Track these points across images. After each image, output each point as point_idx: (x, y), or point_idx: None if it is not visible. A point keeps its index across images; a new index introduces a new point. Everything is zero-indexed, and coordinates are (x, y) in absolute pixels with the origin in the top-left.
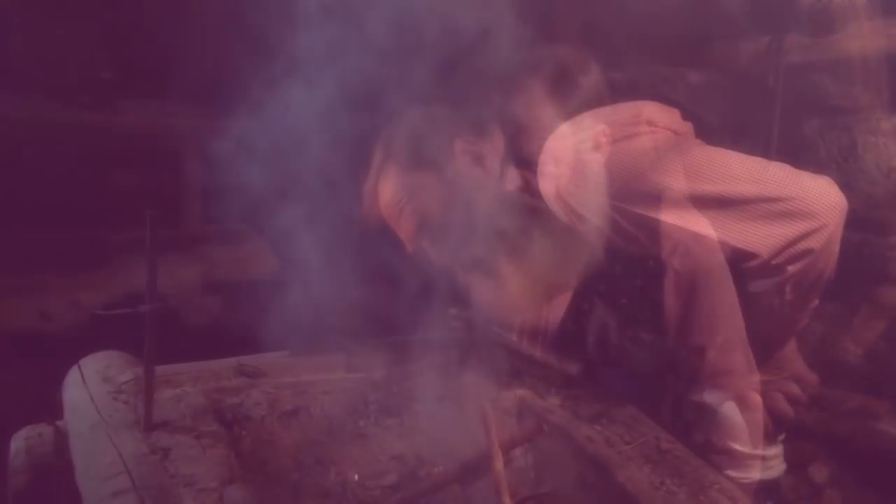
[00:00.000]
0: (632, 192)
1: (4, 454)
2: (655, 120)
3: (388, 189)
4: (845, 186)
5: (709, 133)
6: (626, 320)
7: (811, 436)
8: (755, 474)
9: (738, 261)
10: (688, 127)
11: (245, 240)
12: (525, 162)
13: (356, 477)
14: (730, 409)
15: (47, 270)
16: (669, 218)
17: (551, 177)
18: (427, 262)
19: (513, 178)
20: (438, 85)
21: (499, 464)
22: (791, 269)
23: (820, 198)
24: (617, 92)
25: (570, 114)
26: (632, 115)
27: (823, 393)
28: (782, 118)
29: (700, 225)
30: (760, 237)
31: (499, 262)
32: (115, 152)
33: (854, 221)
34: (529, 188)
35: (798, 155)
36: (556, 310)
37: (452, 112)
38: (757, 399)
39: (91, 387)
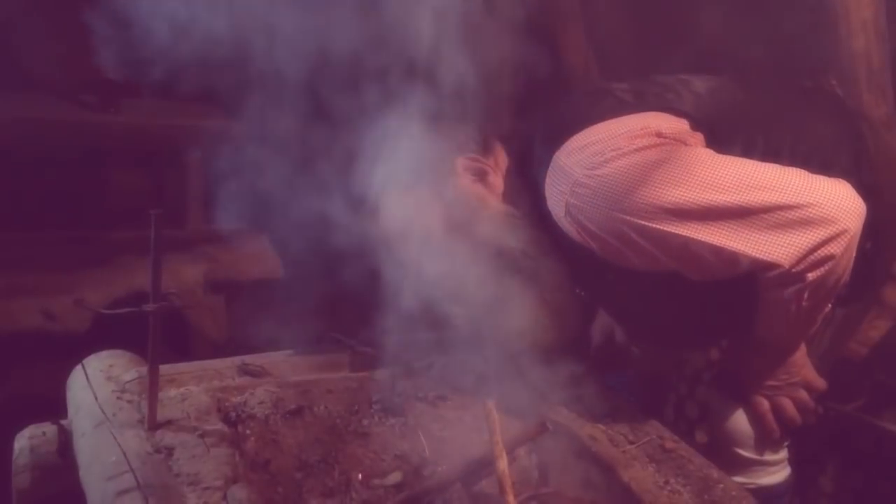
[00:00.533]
0: (644, 207)
1: (8, 453)
2: (664, 131)
3: (389, 208)
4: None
5: (719, 141)
6: (633, 326)
7: (814, 435)
8: (759, 480)
9: (758, 271)
10: (698, 137)
11: (248, 239)
12: (531, 179)
13: (360, 476)
14: (736, 415)
15: (51, 270)
16: (685, 231)
17: (560, 194)
18: (429, 279)
19: (517, 195)
20: (441, 101)
21: (503, 463)
22: (811, 276)
23: (839, 203)
24: (623, 104)
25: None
26: (640, 127)
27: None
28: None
29: (717, 237)
30: (781, 246)
31: (503, 281)
32: (119, 152)
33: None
34: (536, 205)
35: (807, 156)
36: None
37: (454, 128)
38: (765, 404)
39: (95, 386)
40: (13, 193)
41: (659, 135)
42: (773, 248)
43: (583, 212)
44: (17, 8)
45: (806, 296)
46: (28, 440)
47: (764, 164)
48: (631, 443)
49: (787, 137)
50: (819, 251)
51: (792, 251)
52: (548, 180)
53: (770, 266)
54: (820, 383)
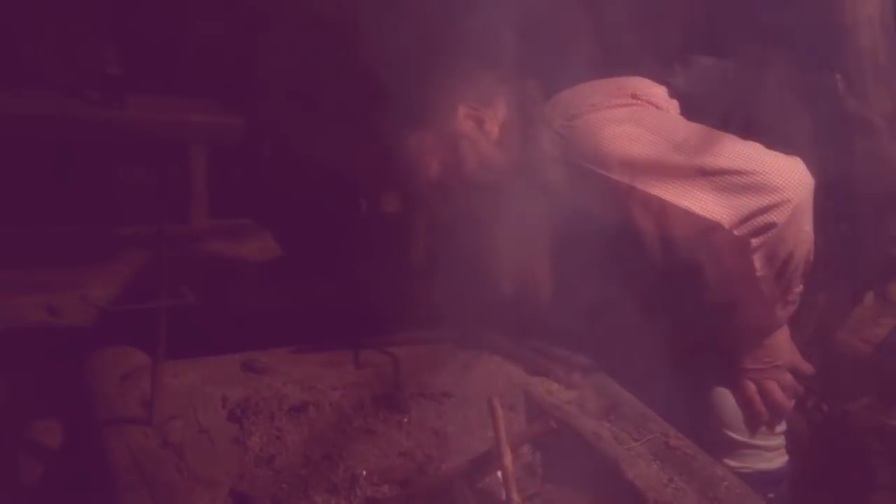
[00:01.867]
0: (605, 158)
1: (14, 449)
2: (639, 93)
3: (398, 149)
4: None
5: (696, 110)
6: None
7: (820, 431)
8: (753, 464)
9: (705, 232)
10: (673, 104)
11: (252, 234)
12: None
13: (364, 473)
14: (725, 398)
15: (55, 265)
16: (638, 184)
17: (542, 141)
18: (432, 221)
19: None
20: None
21: (507, 460)
22: (755, 242)
23: (784, 173)
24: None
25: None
26: (617, 87)
27: (833, 389)
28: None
29: (666, 192)
30: (723, 207)
31: (490, 222)
32: (123, 147)
33: (866, 217)
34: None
35: (785, 140)
36: (541, 273)
37: (460, 79)
38: (751, 387)
39: (100, 381)
40: (16, 188)
41: (634, 96)
42: (716, 207)
43: (556, 159)
44: (19, 2)
45: (758, 265)
46: (33, 435)
47: (724, 133)
48: (635, 440)
49: (768, 119)
50: (760, 217)
51: (732, 213)
52: (537, 129)
53: (712, 225)
54: (806, 367)
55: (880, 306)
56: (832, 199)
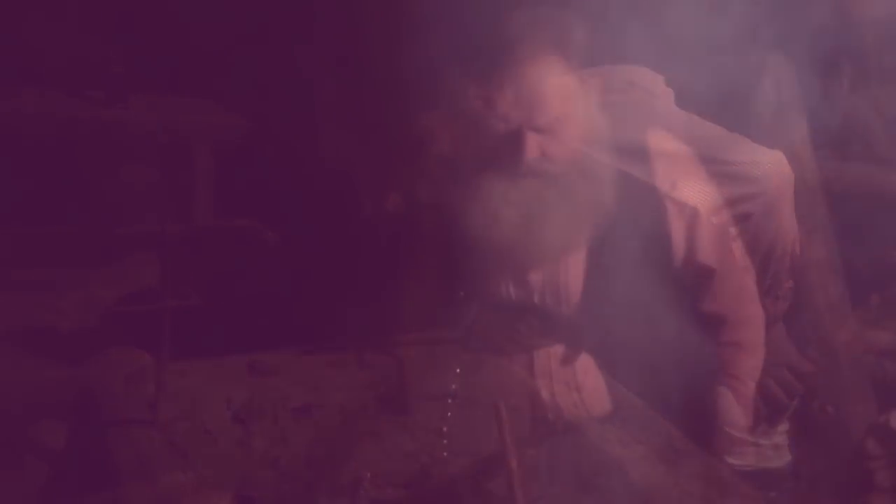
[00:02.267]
0: (597, 142)
1: (18, 449)
2: (636, 82)
3: (416, 128)
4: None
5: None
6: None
7: (825, 434)
8: (755, 462)
9: (686, 218)
10: (669, 93)
11: (255, 235)
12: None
13: (369, 475)
14: (722, 393)
15: (60, 266)
16: (623, 166)
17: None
18: (448, 200)
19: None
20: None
21: (512, 462)
22: (733, 231)
23: (763, 166)
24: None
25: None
26: (614, 75)
27: (835, 391)
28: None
29: (650, 176)
30: (700, 193)
31: (502, 201)
32: (126, 147)
33: (866, 218)
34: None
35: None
36: (574, 267)
37: (470, 61)
38: (749, 385)
39: (104, 382)
40: (20, 189)
41: (630, 83)
42: (693, 192)
43: (575, 150)
44: (22, 2)
45: (738, 255)
46: (38, 436)
47: (710, 123)
48: (640, 443)
49: (765, 116)
50: (736, 206)
51: (709, 199)
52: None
53: (690, 211)
54: (803, 365)
55: (884, 309)
56: (831, 200)
